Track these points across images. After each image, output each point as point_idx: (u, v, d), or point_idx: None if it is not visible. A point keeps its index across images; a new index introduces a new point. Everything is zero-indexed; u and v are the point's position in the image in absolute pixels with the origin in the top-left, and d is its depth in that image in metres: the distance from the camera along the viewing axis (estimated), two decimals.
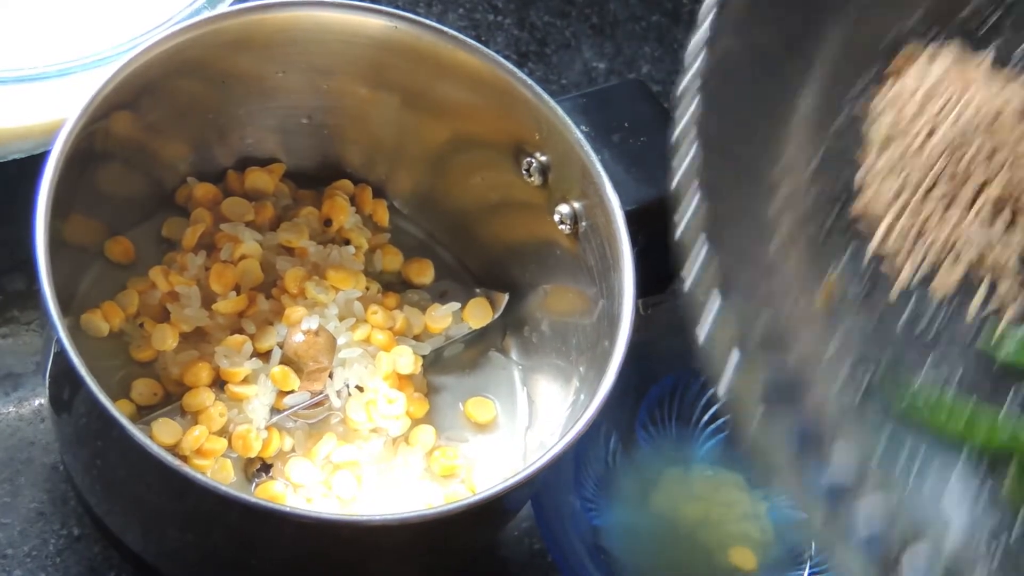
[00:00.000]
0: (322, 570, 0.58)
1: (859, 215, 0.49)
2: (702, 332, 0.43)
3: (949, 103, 0.49)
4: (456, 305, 0.68)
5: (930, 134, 0.49)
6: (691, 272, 0.43)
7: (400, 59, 0.65)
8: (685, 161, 0.44)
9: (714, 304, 0.43)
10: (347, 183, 0.70)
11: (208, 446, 0.61)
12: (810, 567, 0.67)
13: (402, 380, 0.65)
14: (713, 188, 0.44)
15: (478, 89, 0.65)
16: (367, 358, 0.65)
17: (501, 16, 0.84)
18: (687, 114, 0.45)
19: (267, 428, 0.63)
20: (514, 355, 0.69)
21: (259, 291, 0.65)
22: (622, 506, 0.68)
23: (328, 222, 0.68)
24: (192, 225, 0.66)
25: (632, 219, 0.61)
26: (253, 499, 0.54)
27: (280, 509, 0.55)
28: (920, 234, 0.48)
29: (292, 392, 0.63)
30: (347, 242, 0.67)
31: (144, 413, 0.62)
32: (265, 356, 0.64)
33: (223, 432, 0.62)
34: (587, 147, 0.62)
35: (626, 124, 0.66)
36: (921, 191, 0.48)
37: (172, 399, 0.63)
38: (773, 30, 0.48)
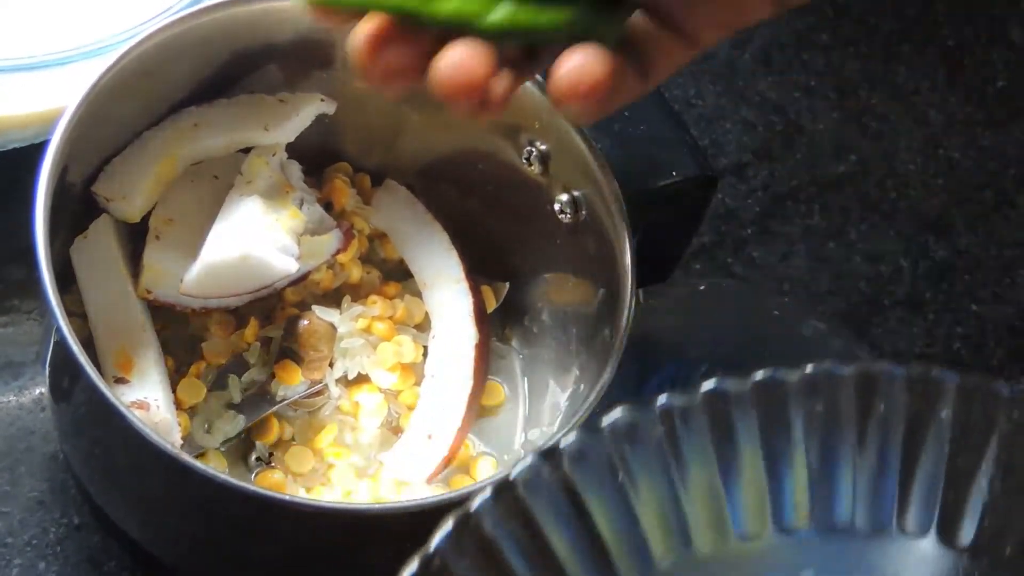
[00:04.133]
0: (321, 558, 0.58)
1: None
2: None
3: None
4: None
5: None
6: None
7: None
8: None
9: None
10: (346, 165, 0.70)
11: None
12: None
13: (404, 369, 0.65)
14: None
15: None
16: (368, 347, 0.65)
17: None
18: None
19: (268, 416, 0.63)
20: (514, 344, 0.69)
21: None
22: None
23: (329, 205, 0.68)
24: None
25: (632, 208, 0.61)
26: (253, 488, 0.54)
27: (280, 498, 0.55)
28: None
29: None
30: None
31: None
32: (266, 346, 0.64)
33: None
34: (587, 136, 0.62)
35: (626, 112, 0.65)
36: None
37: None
38: None
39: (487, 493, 0.48)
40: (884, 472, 0.52)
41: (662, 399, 0.50)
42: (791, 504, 0.51)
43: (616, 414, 0.50)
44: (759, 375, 0.51)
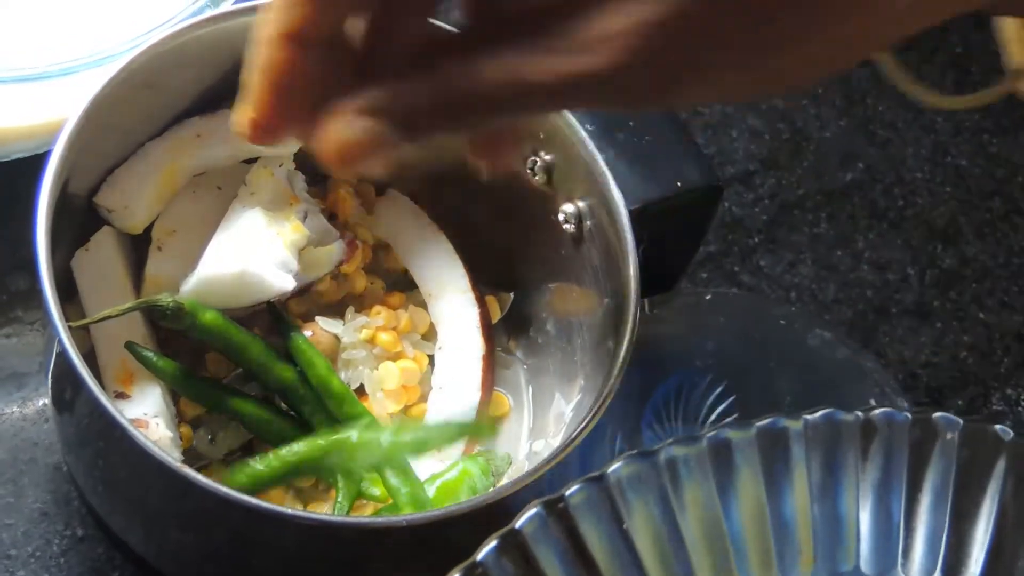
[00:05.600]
0: (323, 571, 0.58)
1: None
2: None
3: None
4: None
5: None
6: None
7: None
8: None
9: None
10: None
11: None
12: None
13: (408, 386, 0.65)
14: None
15: None
16: (371, 359, 0.65)
17: None
18: None
19: None
20: (519, 354, 0.69)
21: None
22: None
23: (332, 215, 0.67)
24: None
25: (636, 218, 0.61)
26: (255, 501, 0.53)
27: (282, 511, 0.55)
28: None
29: None
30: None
31: None
32: None
33: None
34: (591, 146, 0.62)
35: (631, 123, 0.65)
36: None
37: None
38: None
39: (492, 542, 0.49)
40: (887, 515, 0.52)
41: (667, 449, 0.51)
42: (795, 549, 0.51)
43: (619, 463, 0.51)
44: (762, 422, 0.52)
